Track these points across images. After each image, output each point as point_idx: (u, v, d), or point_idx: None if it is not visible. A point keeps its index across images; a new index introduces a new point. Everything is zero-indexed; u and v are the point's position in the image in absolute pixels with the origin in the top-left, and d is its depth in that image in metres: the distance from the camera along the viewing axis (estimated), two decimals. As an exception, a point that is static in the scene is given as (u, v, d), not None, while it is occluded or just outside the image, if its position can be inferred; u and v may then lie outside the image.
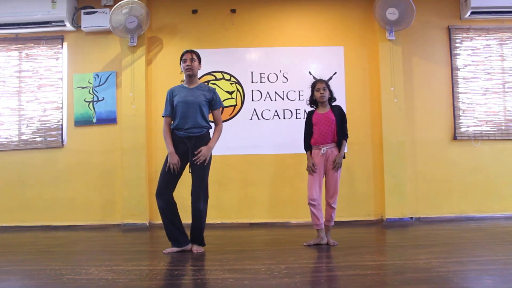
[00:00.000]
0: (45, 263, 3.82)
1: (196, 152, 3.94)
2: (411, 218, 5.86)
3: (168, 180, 4.01)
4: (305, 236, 4.99)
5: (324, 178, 4.39)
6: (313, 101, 4.50)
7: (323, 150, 4.31)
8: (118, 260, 3.88)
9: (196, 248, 4.05)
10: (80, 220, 6.00)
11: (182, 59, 4.10)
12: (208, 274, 3.32)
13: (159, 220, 5.95)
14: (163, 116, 4.14)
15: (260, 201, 5.97)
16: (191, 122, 3.98)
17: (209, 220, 5.89)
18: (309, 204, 4.29)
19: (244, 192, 5.96)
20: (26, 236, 5.37)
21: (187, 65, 4.04)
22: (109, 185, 6.05)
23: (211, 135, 4.12)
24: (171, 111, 4.10)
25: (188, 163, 4.04)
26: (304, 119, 4.54)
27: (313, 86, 4.47)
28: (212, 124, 4.14)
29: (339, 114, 4.36)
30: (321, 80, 4.44)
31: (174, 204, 4.03)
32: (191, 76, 4.10)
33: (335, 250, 4.07)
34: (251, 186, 5.98)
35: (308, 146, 4.45)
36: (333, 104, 4.47)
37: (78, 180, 6.08)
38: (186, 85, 4.14)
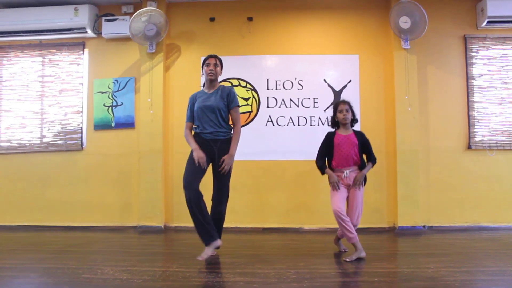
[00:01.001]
0: (63, 262, 3.95)
1: (220, 163, 3.95)
2: (424, 226, 5.86)
3: (194, 174, 3.93)
4: (317, 242, 5.06)
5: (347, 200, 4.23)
6: (335, 123, 4.37)
7: (346, 173, 4.17)
8: (133, 261, 4.00)
9: (204, 254, 3.92)
10: (97, 221, 6.15)
11: (205, 63, 4.10)
12: (219, 277, 3.41)
13: (174, 223, 6.08)
14: (186, 122, 4.17)
15: (274, 207, 6.04)
16: (213, 126, 3.99)
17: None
18: (337, 216, 4.01)
19: (258, 197, 6.04)
20: (46, 235, 5.53)
21: (210, 70, 4.05)
22: (126, 188, 6.19)
23: None
24: (191, 116, 4.13)
25: (211, 164, 4.07)
26: (322, 141, 4.39)
27: (336, 107, 4.35)
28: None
29: (362, 139, 4.25)
30: (343, 101, 4.32)
31: (201, 196, 3.92)
32: (212, 81, 4.10)
33: (344, 256, 4.11)
34: (265, 191, 6.06)
35: (323, 166, 4.28)
36: (354, 127, 4.38)
37: (96, 182, 6.23)
38: (206, 90, 4.15)
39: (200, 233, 3.93)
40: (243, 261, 3.98)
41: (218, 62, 4.11)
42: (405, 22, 5.75)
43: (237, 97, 4.18)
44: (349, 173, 4.18)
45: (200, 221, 3.88)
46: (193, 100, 4.16)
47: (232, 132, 4.10)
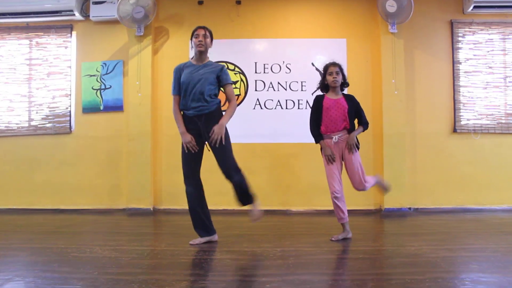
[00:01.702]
0: (52, 242, 4.00)
1: (210, 134, 3.72)
2: (410, 208, 5.96)
3: (190, 163, 3.82)
4: (304, 223, 5.15)
5: (344, 168, 4.12)
6: (324, 86, 4.17)
7: (335, 138, 4.02)
8: (121, 241, 4.05)
9: (253, 215, 3.99)
10: (86, 204, 6.17)
11: (194, 34, 3.86)
12: (206, 255, 3.47)
13: (163, 206, 6.13)
14: (172, 95, 3.94)
15: (262, 189, 6.05)
16: (199, 100, 3.76)
17: (211, 206, 6.05)
18: (333, 197, 4.00)
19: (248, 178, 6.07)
20: (35, 218, 5.55)
21: (199, 41, 3.81)
22: (115, 170, 6.21)
23: (223, 113, 3.87)
24: (179, 89, 3.88)
25: (206, 142, 3.84)
26: (311, 106, 4.18)
27: (326, 69, 4.14)
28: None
29: (353, 103, 4.08)
30: (334, 63, 4.12)
31: (201, 188, 3.87)
32: (201, 52, 3.85)
33: (330, 236, 4.18)
34: (253, 174, 6.04)
35: (318, 135, 4.11)
36: (345, 92, 4.22)
37: (85, 165, 6.25)
38: (194, 62, 3.91)
39: (196, 225, 3.88)
40: (230, 240, 4.05)
41: (207, 33, 3.86)
42: (391, 6, 5.78)
43: (234, 90, 4.07)
44: (338, 138, 4.02)
45: (199, 214, 3.84)
46: (179, 72, 3.91)
47: (217, 105, 3.85)
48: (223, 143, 3.73)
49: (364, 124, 4.12)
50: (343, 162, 4.12)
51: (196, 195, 3.84)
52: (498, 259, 3.28)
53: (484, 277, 2.81)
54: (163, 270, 3.04)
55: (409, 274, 2.89)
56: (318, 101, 4.12)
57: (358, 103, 4.13)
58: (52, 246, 3.80)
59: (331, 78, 4.05)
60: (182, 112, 3.89)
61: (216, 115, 3.81)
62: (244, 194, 3.95)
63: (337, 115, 4.00)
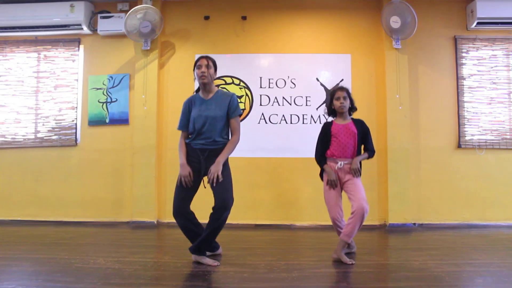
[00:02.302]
0: (55, 253, 4.00)
1: (208, 176, 3.55)
2: (414, 224, 5.93)
3: (183, 197, 3.67)
4: (309, 237, 5.13)
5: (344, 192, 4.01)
6: (331, 111, 4.08)
7: (340, 164, 3.90)
8: (125, 253, 4.05)
9: (212, 261, 3.62)
10: (90, 216, 6.18)
11: (196, 65, 3.70)
12: (209, 267, 3.46)
13: (167, 219, 6.12)
14: (178, 129, 3.86)
15: (266, 203, 6.10)
16: (208, 138, 3.64)
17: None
18: (334, 224, 3.93)
19: (250, 194, 6.09)
20: (39, 230, 5.55)
21: (201, 72, 3.65)
22: (119, 183, 6.23)
23: None
24: (187, 124, 3.78)
25: (204, 177, 3.71)
26: (319, 133, 4.11)
27: (332, 94, 4.03)
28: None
29: (362, 128, 3.97)
30: (341, 88, 4.02)
31: (192, 216, 3.74)
32: (205, 84, 3.70)
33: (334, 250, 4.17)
34: (257, 188, 6.11)
35: (322, 159, 4.01)
36: (353, 116, 4.12)
37: (90, 178, 6.26)
38: (203, 96, 3.76)
39: (195, 243, 3.67)
40: (234, 254, 4.04)
41: (210, 63, 3.70)
42: (395, 22, 5.83)
43: (239, 105, 3.82)
44: (344, 165, 3.90)
45: (195, 239, 3.68)
46: (189, 106, 3.78)
47: (224, 144, 3.68)
48: (219, 180, 3.51)
49: (369, 152, 4.01)
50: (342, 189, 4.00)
51: (189, 225, 3.70)
52: (504, 274, 3.27)
53: (489, 292, 2.80)
54: (166, 281, 3.04)
55: (414, 288, 2.88)
56: (326, 127, 4.02)
57: (367, 129, 4.03)
58: (56, 256, 3.81)
59: (338, 103, 3.95)
60: (188, 144, 3.76)
61: (219, 152, 3.63)
62: (212, 239, 3.72)
63: (346, 140, 3.90)
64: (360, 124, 4.00)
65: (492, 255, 4.02)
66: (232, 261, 3.70)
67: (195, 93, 3.91)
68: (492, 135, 6.14)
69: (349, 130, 3.92)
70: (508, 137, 6.13)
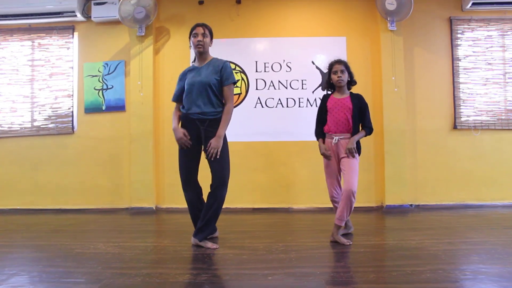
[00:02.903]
0: (56, 239, 4.03)
1: (207, 149, 3.51)
2: (411, 205, 5.98)
3: (187, 166, 3.65)
4: (306, 219, 5.17)
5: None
6: (330, 85, 3.99)
7: (335, 139, 3.83)
8: (125, 238, 4.09)
9: (211, 244, 3.61)
10: (89, 204, 6.21)
11: (192, 33, 3.62)
12: (209, 250, 3.50)
13: (165, 204, 6.16)
14: (172, 101, 3.84)
15: (263, 187, 6.13)
16: (202, 106, 3.55)
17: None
18: (332, 200, 3.97)
19: (248, 178, 6.12)
20: (38, 218, 5.58)
21: (197, 41, 3.57)
22: (117, 170, 6.25)
23: None
24: (179, 96, 3.73)
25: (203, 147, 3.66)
26: (318, 106, 4.06)
27: (330, 67, 3.93)
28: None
29: (359, 103, 3.84)
30: (339, 61, 3.90)
31: (200, 192, 3.74)
32: (201, 53, 3.64)
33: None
34: (254, 172, 6.14)
35: (319, 133, 3.98)
36: (352, 90, 3.99)
37: (87, 165, 6.28)
38: (196, 64, 3.71)
39: (197, 225, 3.69)
40: (233, 236, 4.08)
41: (206, 32, 3.61)
42: (391, 4, 5.82)
43: (232, 72, 3.67)
44: (339, 140, 3.82)
45: (197, 217, 3.72)
46: (183, 77, 3.74)
47: (220, 114, 3.61)
48: (218, 156, 3.49)
49: (366, 128, 3.86)
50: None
51: (195, 201, 3.72)
52: (498, 251, 3.31)
53: (484, 268, 2.85)
54: (167, 264, 3.08)
55: (410, 266, 2.92)
56: (323, 100, 3.97)
57: (365, 105, 3.87)
58: (56, 243, 3.84)
59: (335, 77, 3.86)
60: (184, 115, 3.68)
61: (219, 121, 3.57)
62: (213, 222, 3.68)
63: (340, 115, 3.82)
64: (357, 99, 3.86)
65: (487, 234, 4.07)
66: (231, 244, 3.74)
67: (192, 63, 3.83)
68: (488, 116, 6.17)
69: (344, 105, 3.82)
70: (503, 117, 6.17)
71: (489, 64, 6.21)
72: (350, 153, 3.76)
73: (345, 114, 3.81)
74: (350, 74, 3.91)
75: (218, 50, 6.15)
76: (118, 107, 6.30)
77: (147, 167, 6.08)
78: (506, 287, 2.46)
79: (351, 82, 3.94)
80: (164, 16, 6.41)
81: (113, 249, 3.53)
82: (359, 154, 3.87)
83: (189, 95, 3.60)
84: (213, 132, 3.53)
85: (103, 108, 6.32)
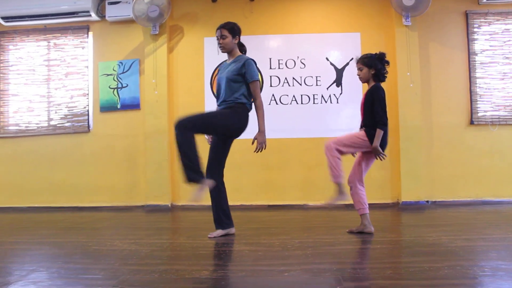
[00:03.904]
0: (73, 237, 4.07)
1: (252, 144, 3.81)
2: (427, 201, 5.93)
3: (210, 154, 3.91)
4: (322, 216, 5.15)
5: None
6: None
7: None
8: (141, 235, 4.11)
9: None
10: (105, 201, 6.27)
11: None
12: (224, 247, 3.50)
13: (181, 202, 6.20)
14: None
15: (278, 184, 6.13)
16: (223, 98, 3.77)
17: (229, 202, 6.10)
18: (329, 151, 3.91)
19: (263, 175, 6.12)
20: (55, 215, 5.64)
21: (219, 44, 3.83)
22: (132, 168, 6.30)
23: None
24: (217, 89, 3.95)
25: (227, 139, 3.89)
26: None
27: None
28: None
29: (370, 96, 3.83)
30: (357, 59, 3.98)
31: (222, 184, 3.89)
32: (227, 52, 3.88)
33: (348, 228, 4.19)
34: (269, 169, 6.14)
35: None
36: (376, 84, 3.90)
37: (103, 163, 6.34)
38: (227, 60, 3.94)
39: (214, 218, 3.90)
40: (248, 233, 4.08)
41: (226, 33, 3.76)
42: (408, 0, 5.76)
43: (255, 69, 3.77)
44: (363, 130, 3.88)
45: (215, 208, 3.88)
46: (217, 73, 4.05)
47: (244, 104, 3.77)
48: (265, 149, 3.86)
49: (377, 125, 3.79)
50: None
51: (215, 190, 3.81)
52: (518, 247, 3.27)
53: (503, 265, 2.80)
54: (183, 261, 3.08)
55: (428, 262, 2.89)
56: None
57: (376, 96, 3.80)
58: (73, 240, 3.88)
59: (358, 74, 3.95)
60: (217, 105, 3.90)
61: (231, 107, 3.72)
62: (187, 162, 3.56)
63: (362, 109, 3.93)
64: (370, 92, 3.85)
65: (506, 230, 4.00)
66: (246, 240, 3.74)
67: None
68: (505, 111, 6.09)
69: (363, 99, 3.91)
70: (523, 112, 6.08)
71: (507, 58, 6.13)
72: (376, 153, 3.82)
73: (362, 108, 3.90)
74: (372, 67, 3.85)
75: (232, 47, 6.17)
76: (133, 105, 6.35)
77: (162, 165, 6.12)
78: (527, 283, 2.42)
79: (376, 75, 3.88)
80: (178, 14, 6.43)
81: (129, 246, 3.54)
82: (383, 150, 3.87)
83: (218, 88, 3.87)
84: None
85: (118, 106, 6.37)
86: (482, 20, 6.17)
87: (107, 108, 6.39)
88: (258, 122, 3.80)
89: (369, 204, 5.74)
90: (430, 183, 6.01)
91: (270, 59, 6.24)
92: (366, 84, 4.02)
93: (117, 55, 6.46)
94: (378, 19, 6.23)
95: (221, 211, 3.89)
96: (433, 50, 6.16)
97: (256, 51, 6.25)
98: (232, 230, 4.00)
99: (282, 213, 5.45)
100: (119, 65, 6.41)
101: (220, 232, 3.88)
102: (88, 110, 6.44)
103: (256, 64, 3.81)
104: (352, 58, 6.12)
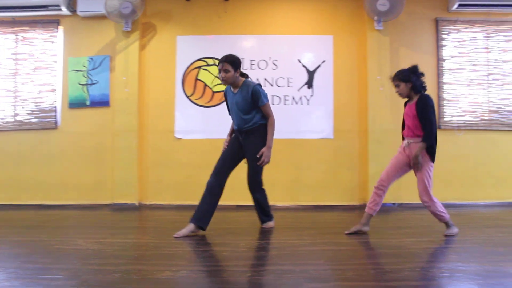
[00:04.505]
0: (35, 235, 3.99)
1: (258, 156, 4.07)
2: (394, 204, 6.02)
3: (222, 160, 4.19)
4: (289, 217, 5.17)
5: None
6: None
7: (406, 143, 3.97)
8: (105, 234, 4.06)
9: (265, 224, 4.38)
10: (71, 199, 6.15)
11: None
12: (189, 247, 3.49)
13: (148, 201, 6.14)
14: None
15: (244, 185, 6.09)
16: (239, 120, 4.09)
17: (196, 201, 6.07)
18: (375, 186, 4.11)
19: (232, 175, 6.06)
20: (18, 213, 5.51)
21: (221, 77, 4.01)
22: (100, 166, 6.20)
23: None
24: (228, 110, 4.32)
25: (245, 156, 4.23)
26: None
27: None
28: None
29: (420, 107, 3.81)
30: (392, 77, 4.06)
31: (223, 184, 4.16)
32: (229, 84, 4.11)
33: (314, 229, 4.27)
34: (238, 169, 6.07)
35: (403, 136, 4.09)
36: (422, 93, 3.91)
37: (70, 160, 6.22)
38: (232, 90, 4.15)
39: (198, 208, 3.96)
40: (215, 233, 4.07)
41: (228, 67, 3.95)
42: (383, 5, 5.83)
43: (263, 94, 4.04)
44: (410, 144, 3.92)
45: (205, 201, 3.99)
46: (225, 96, 4.28)
47: (259, 124, 4.10)
48: (268, 163, 4.18)
49: (425, 138, 3.79)
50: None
51: (216, 188, 4.07)
52: (476, 249, 3.35)
53: (462, 266, 2.87)
54: (146, 260, 3.06)
55: (389, 264, 2.94)
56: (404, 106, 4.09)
57: (425, 108, 3.79)
58: (35, 239, 3.80)
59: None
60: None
61: (256, 131, 4.10)
62: (264, 213, 4.40)
63: (408, 120, 3.93)
64: (419, 103, 3.82)
65: (467, 232, 4.10)
66: (212, 241, 3.74)
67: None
68: (471, 116, 6.23)
69: (411, 111, 3.88)
70: (486, 118, 6.23)
71: (474, 65, 6.26)
72: (416, 165, 3.86)
73: (411, 120, 3.87)
74: (409, 81, 3.90)
75: (204, 46, 6.18)
76: (102, 102, 6.25)
77: (131, 164, 6.05)
78: (482, 285, 2.48)
79: (415, 88, 3.91)
80: (151, 11, 6.37)
81: (93, 245, 3.50)
82: (433, 161, 3.90)
83: (232, 113, 4.23)
84: (248, 139, 4.13)
85: (88, 103, 6.27)
86: (451, 27, 6.30)
87: (76, 104, 6.28)
88: (268, 138, 4.12)
89: (336, 205, 5.85)
90: (397, 185, 6.04)
91: (243, 59, 6.20)
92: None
93: (88, 51, 6.34)
94: (351, 22, 6.29)
95: (209, 209, 4.02)
96: (403, 54, 6.25)
97: (229, 51, 6.14)
98: (200, 232, 3.99)
99: (250, 213, 5.44)
100: (90, 61, 6.30)
101: (187, 230, 3.86)
102: (56, 106, 6.31)
103: (261, 88, 4.09)
104: (324, 61, 6.18)
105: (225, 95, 4.29)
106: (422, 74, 3.98)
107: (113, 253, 3.24)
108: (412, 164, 3.88)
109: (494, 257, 3.10)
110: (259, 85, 4.09)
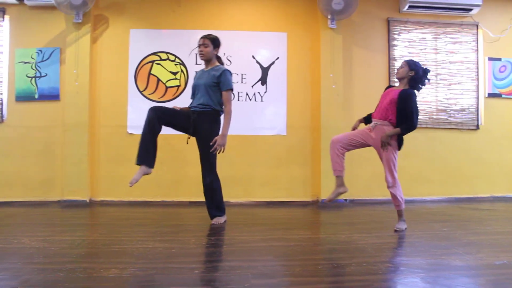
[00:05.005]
0: (-24, 233, 3.84)
1: (211, 143, 4.06)
2: (346, 200, 6.14)
3: (166, 109, 4.13)
4: (242, 213, 5.18)
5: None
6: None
7: (372, 125, 4.07)
8: (52, 231, 3.95)
9: (216, 220, 4.30)
10: (18, 196, 5.93)
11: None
12: (138, 244, 3.44)
13: (100, 197, 6.00)
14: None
15: (200, 181, 6.07)
16: (198, 101, 4.14)
17: (149, 197, 6.02)
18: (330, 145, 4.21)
19: (184, 171, 6.05)
20: (-39, 210, 5.30)
21: (199, 51, 4.23)
22: (49, 161, 6.01)
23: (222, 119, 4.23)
24: (192, 93, 4.35)
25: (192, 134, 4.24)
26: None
27: None
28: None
29: (402, 98, 3.88)
30: (408, 59, 4.10)
31: (159, 122, 4.01)
32: (205, 60, 4.30)
33: (266, 225, 4.30)
34: (190, 165, 6.05)
35: (367, 117, 4.30)
36: (410, 88, 4.00)
37: (17, 155, 5.99)
38: (204, 67, 4.35)
39: (139, 149, 4.00)
40: (165, 230, 4.04)
41: (208, 42, 4.20)
42: (338, 4, 5.91)
43: (230, 80, 4.19)
44: (376, 126, 4.04)
45: (147, 139, 3.97)
46: (194, 78, 4.37)
47: (214, 110, 4.16)
48: (223, 152, 4.17)
49: (402, 127, 3.89)
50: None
51: (153, 122, 3.96)
52: (421, 244, 3.46)
53: (406, 260, 2.97)
54: (93, 258, 3.00)
55: (336, 259, 3.00)
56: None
57: (409, 102, 3.87)
58: (-24, 237, 3.66)
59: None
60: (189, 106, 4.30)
61: (209, 116, 4.15)
62: (214, 207, 4.32)
63: (384, 103, 4.02)
64: (403, 94, 3.90)
65: (414, 227, 4.23)
66: (162, 237, 3.70)
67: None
68: (420, 115, 6.39)
69: (391, 95, 3.96)
70: (435, 117, 6.44)
71: (423, 65, 6.42)
72: (384, 145, 3.97)
73: (388, 103, 3.96)
74: (412, 70, 3.99)
75: (158, 40, 6.11)
76: (52, 96, 6.06)
77: (81, 159, 5.89)
78: (423, 278, 2.57)
79: (413, 80, 4.00)
80: (103, 3, 6.21)
81: (38, 244, 3.39)
82: (399, 149, 4.05)
83: (194, 93, 4.30)
84: (199, 122, 4.13)
85: (36, 96, 6.06)
86: (402, 28, 6.47)
87: (23, 97, 6.05)
88: (223, 126, 4.17)
89: (289, 201, 5.91)
90: (349, 182, 6.12)
91: (196, 54, 6.16)
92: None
93: (36, 42, 6.13)
94: (305, 20, 6.35)
95: (152, 147, 4.06)
96: (356, 53, 6.38)
97: (183, 46, 6.19)
98: (150, 171, 4.05)
99: (202, 210, 5.41)
100: (38, 53, 6.09)
101: (138, 174, 3.97)
102: (1, 99, 6.06)
103: (231, 75, 4.25)
104: (278, 57, 6.22)
105: (194, 78, 4.37)
106: (428, 80, 4.12)
107: (59, 251, 3.16)
108: (381, 143, 3.97)
109: (437, 251, 3.22)
110: (230, 73, 4.24)
